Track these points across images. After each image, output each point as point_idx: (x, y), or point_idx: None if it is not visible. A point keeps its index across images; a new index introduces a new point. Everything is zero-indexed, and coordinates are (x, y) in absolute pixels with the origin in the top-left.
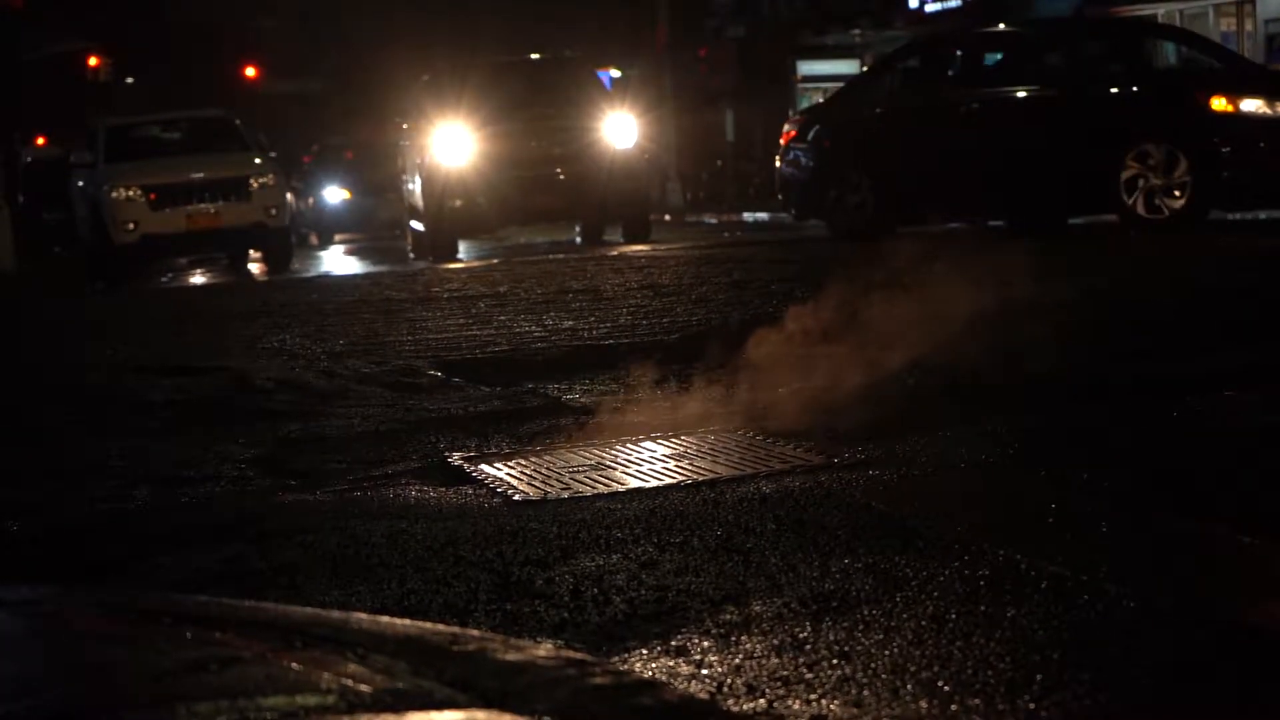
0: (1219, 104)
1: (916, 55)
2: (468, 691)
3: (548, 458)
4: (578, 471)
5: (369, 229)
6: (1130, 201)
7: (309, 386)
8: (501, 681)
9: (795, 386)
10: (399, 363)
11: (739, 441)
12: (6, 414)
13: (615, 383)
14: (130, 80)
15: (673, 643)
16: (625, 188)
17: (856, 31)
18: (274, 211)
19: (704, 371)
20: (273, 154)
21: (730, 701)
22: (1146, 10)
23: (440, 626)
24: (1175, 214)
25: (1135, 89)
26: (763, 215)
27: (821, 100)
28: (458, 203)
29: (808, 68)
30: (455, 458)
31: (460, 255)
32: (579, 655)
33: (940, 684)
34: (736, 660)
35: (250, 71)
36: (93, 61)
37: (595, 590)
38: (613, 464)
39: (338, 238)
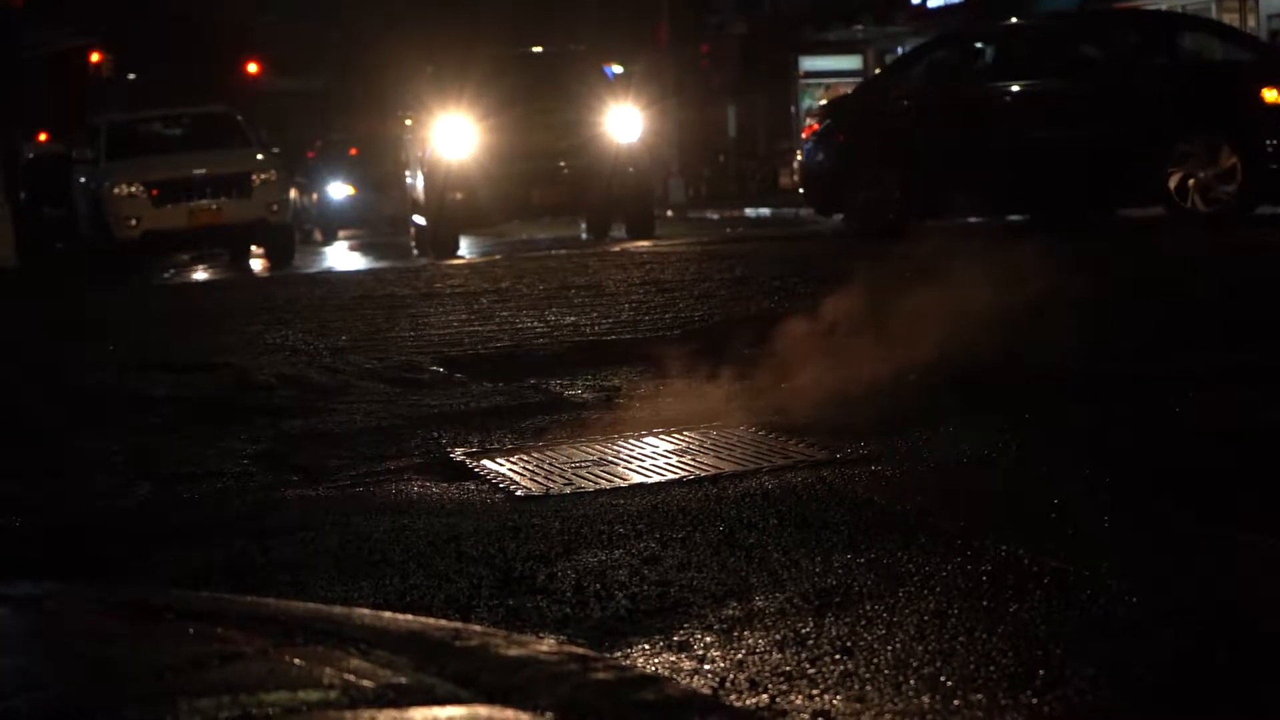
0: (1272, 95)
1: (945, 48)
2: (470, 687)
3: (550, 453)
4: (580, 467)
5: (373, 224)
6: (1176, 194)
7: (311, 382)
8: (504, 677)
9: (798, 382)
10: (401, 358)
11: (741, 437)
12: (7, 411)
13: (617, 378)
14: (132, 77)
15: (675, 638)
16: (629, 182)
17: (859, 27)
18: (276, 207)
19: (706, 367)
20: (276, 150)
21: (733, 697)
22: (1148, 7)
23: (442, 622)
24: (1224, 206)
25: (1180, 81)
26: (765, 211)
27: (836, 94)
28: (459, 195)
29: (810, 64)
30: (457, 453)
31: (462, 252)
32: (581, 651)
33: (943, 679)
34: (739, 655)
35: (252, 68)
36: (94, 58)
37: (597, 586)
38: (615, 459)
39: (342, 233)
